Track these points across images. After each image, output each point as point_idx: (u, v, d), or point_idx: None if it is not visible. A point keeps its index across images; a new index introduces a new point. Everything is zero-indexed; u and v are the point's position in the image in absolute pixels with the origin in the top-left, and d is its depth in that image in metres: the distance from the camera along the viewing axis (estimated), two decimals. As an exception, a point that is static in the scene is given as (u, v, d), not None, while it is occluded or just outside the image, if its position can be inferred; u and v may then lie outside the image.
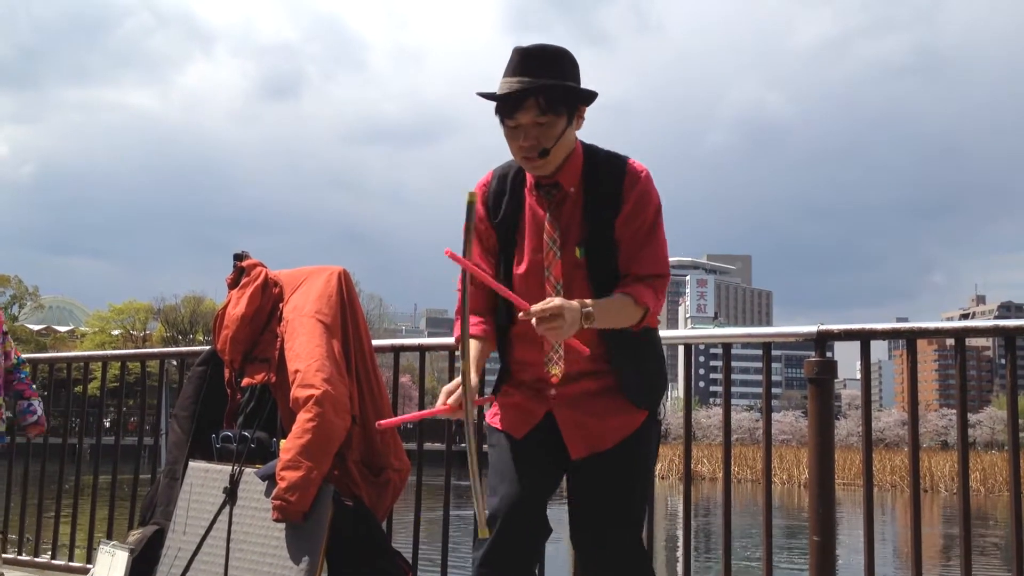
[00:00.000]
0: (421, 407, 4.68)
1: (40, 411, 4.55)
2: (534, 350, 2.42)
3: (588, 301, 2.17)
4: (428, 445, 4.19)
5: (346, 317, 3.71)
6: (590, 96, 2.32)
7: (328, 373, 3.42)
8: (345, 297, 3.74)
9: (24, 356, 4.82)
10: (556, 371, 2.38)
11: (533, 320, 2.07)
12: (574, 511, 2.42)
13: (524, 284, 2.38)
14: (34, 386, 4.65)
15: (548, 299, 2.09)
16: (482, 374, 2.37)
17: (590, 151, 2.40)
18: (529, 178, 2.41)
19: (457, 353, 4.19)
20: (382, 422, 2.35)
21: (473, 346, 2.37)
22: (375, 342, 3.93)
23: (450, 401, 2.26)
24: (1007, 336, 3.16)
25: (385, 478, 3.63)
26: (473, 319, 2.45)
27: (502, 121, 2.31)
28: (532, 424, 2.43)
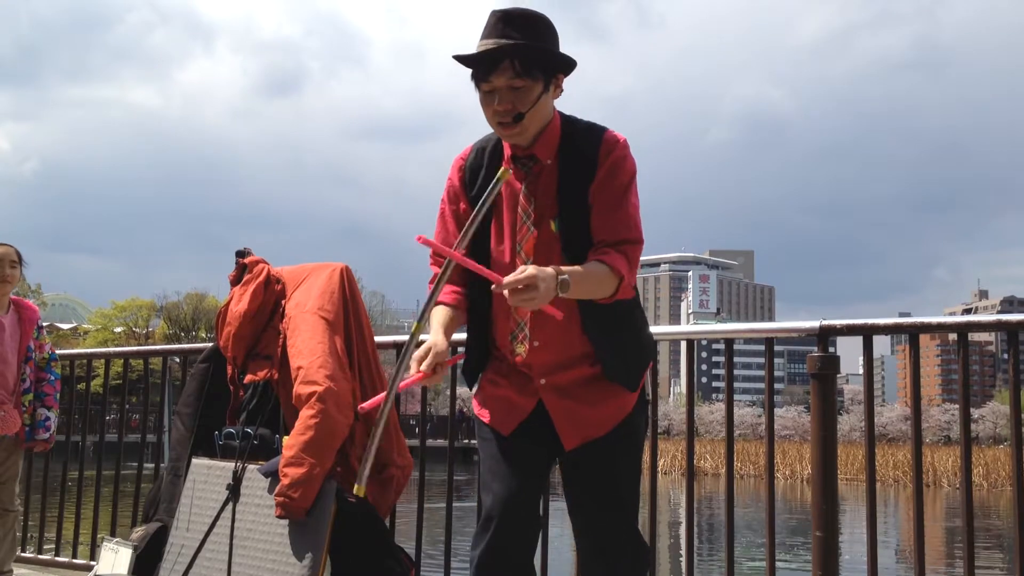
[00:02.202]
0: (424, 405, 4.70)
1: (54, 428, 4.49)
2: (520, 334, 2.35)
3: (563, 268, 2.09)
4: (431, 442, 4.20)
5: (348, 314, 3.70)
6: (568, 64, 2.27)
7: (331, 370, 3.42)
8: (347, 294, 3.74)
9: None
10: (521, 350, 2.33)
11: (506, 292, 2.01)
12: (570, 498, 2.40)
13: (502, 261, 2.32)
14: (57, 395, 4.57)
15: (521, 268, 2.02)
16: (449, 339, 2.28)
17: (568, 122, 2.34)
18: (507, 151, 2.35)
19: (460, 348, 4.20)
20: (363, 405, 2.30)
21: (443, 312, 2.34)
22: (377, 338, 3.93)
23: (423, 367, 2.17)
24: (1010, 331, 3.16)
25: (388, 475, 3.63)
26: (447, 288, 2.40)
27: (477, 86, 2.25)
28: (520, 418, 2.37)
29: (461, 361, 2.57)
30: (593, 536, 2.36)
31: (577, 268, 2.14)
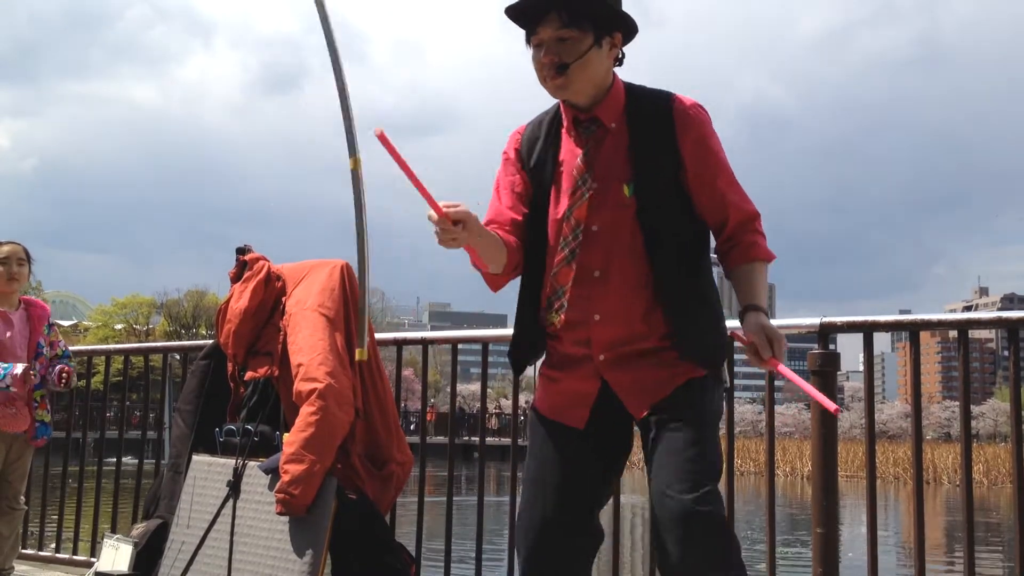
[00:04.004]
0: (424, 401, 4.71)
1: (48, 434, 4.47)
2: (578, 305, 2.19)
3: (755, 300, 2.14)
4: (431, 439, 4.20)
5: (349, 311, 3.71)
6: (624, 20, 2.18)
7: (331, 367, 3.42)
8: (347, 291, 3.74)
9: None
10: (555, 320, 2.21)
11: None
12: (649, 471, 2.19)
13: (554, 226, 2.22)
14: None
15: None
16: (483, 237, 2.09)
17: (632, 88, 2.25)
18: (566, 119, 2.26)
19: (461, 345, 4.21)
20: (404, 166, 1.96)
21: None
22: (378, 335, 3.93)
23: (447, 210, 1.95)
24: (1010, 328, 3.16)
25: (388, 471, 3.63)
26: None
27: (528, 43, 2.18)
28: (589, 404, 2.20)
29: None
30: (662, 511, 2.05)
31: (755, 290, 2.17)
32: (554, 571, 2.19)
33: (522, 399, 4.18)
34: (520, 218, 2.28)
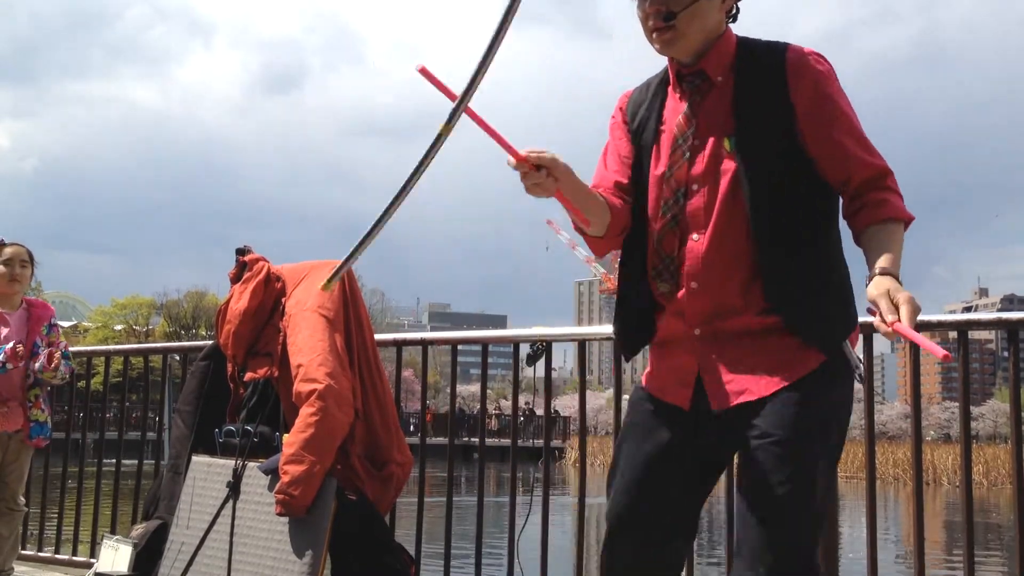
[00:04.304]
0: (423, 402, 4.70)
1: (46, 434, 4.47)
2: (675, 272, 2.02)
3: (882, 266, 1.84)
4: (431, 440, 4.20)
5: (348, 311, 3.71)
6: None
7: (331, 367, 3.42)
8: (347, 291, 3.74)
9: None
10: (664, 288, 2.03)
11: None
12: (735, 514, 1.98)
13: (655, 186, 2.06)
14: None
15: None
16: (576, 187, 1.91)
17: (745, 40, 2.07)
18: (671, 75, 2.11)
19: (461, 346, 4.21)
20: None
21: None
22: (377, 336, 3.93)
23: (532, 157, 1.81)
24: (1010, 329, 3.16)
25: (388, 472, 3.63)
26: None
27: None
28: (691, 383, 2.00)
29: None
30: (742, 546, 1.87)
31: (887, 252, 1.87)
32: (633, 554, 2.03)
33: (521, 400, 4.18)
34: (625, 181, 2.11)
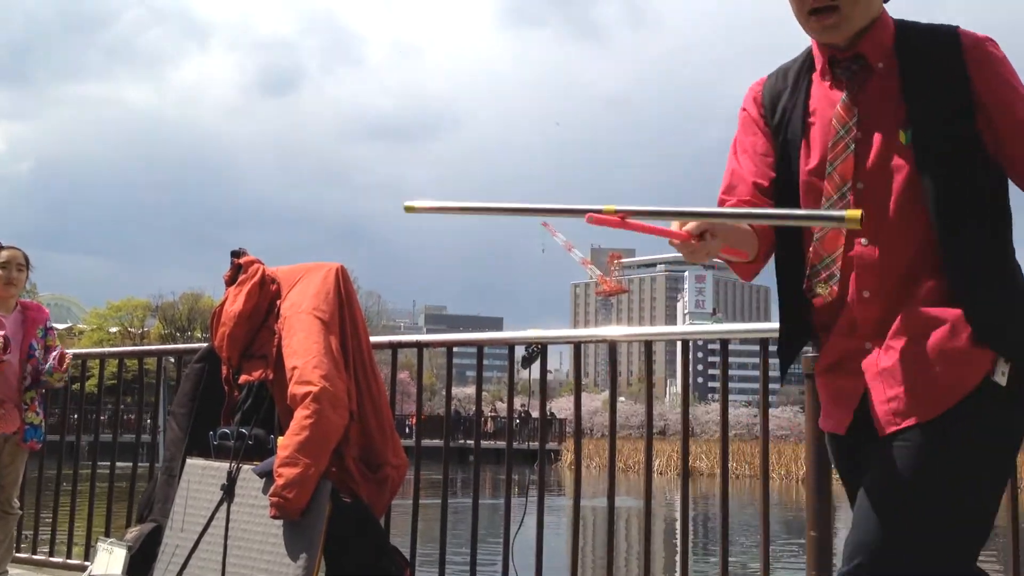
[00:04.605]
0: (419, 404, 4.70)
1: (39, 437, 4.46)
2: (842, 281, 1.81)
3: None
4: (426, 442, 4.20)
5: (344, 314, 3.70)
6: None
7: (326, 370, 3.42)
8: (343, 294, 3.74)
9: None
10: (823, 291, 1.82)
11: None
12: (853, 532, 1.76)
13: (807, 186, 1.87)
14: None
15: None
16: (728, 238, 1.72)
17: (903, 23, 1.88)
18: (818, 62, 1.91)
19: (456, 348, 4.21)
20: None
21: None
22: (373, 339, 3.93)
23: (687, 229, 1.64)
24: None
25: (383, 475, 3.63)
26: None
27: None
28: (852, 406, 1.79)
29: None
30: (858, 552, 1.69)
31: None
32: None
33: (517, 402, 4.17)
34: (766, 183, 1.92)
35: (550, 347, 3.87)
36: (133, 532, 3.90)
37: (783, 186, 1.91)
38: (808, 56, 1.96)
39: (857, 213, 1.47)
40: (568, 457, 33.79)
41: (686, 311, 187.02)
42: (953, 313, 1.72)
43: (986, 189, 1.79)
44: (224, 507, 3.52)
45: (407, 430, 30.62)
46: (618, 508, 3.79)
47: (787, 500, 26.36)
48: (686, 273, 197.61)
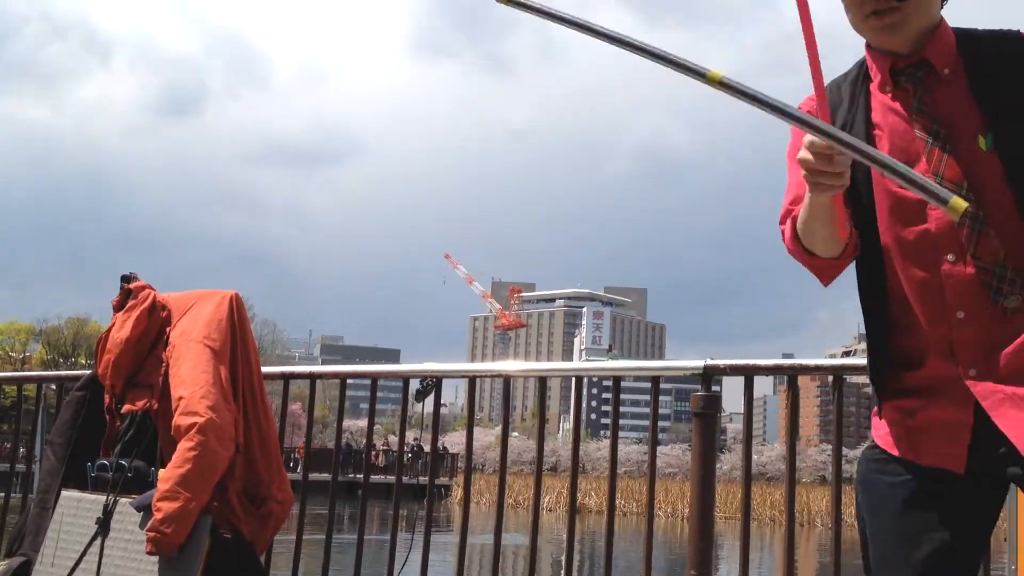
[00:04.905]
0: (308, 437, 4.62)
1: None
2: (929, 301, 1.73)
3: None
4: (314, 475, 4.13)
5: (236, 343, 3.64)
6: None
7: (213, 400, 3.35)
8: (236, 322, 3.67)
9: None
10: (1015, 303, 1.66)
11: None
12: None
13: (887, 199, 1.77)
14: None
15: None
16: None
17: (962, 29, 1.83)
18: (876, 73, 1.85)
19: (351, 380, 4.15)
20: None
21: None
22: (265, 369, 3.87)
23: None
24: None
25: (267, 510, 3.56)
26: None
27: None
28: (965, 440, 1.68)
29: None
30: None
31: None
32: None
33: (410, 436, 4.16)
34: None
35: (445, 381, 3.87)
36: (0, 567, 3.74)
37: (852, 198, 1.79)
38: (860, 69, 1.90)
39: (963, 204, 1.36)
40: (459, 492, 33.62)
41: (583, 347, 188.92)
42: None
43: None
44: (98, 542, 3.40)
45: (291, 463, 30.04)
46: (506, 545, 3.79)
47: (673, 538, 26.72)
48: (584, 309, 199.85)
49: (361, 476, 4.28)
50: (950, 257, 1.70)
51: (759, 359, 3.43)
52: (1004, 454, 1.64)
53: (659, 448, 3.63)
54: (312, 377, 4.26)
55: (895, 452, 1.78)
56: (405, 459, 4.28)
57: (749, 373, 3.44)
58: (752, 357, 3.49)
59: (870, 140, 1.79)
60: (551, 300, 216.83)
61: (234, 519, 3.43)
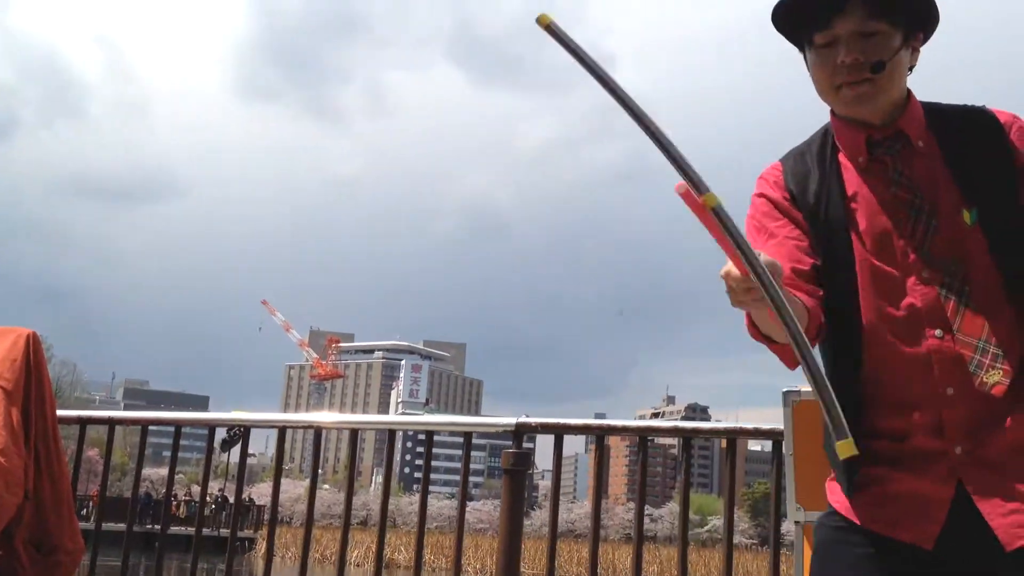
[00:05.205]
0: (104, 485, 4.41)
1: None
2: (915, 377, 1.68)
3: None
4: (109, 525, 3.94)
5: (31, 384, 3.46)
6: (934, 16, 1.76)
7: (2, 444, 3.17)
8: (31, 363, 3.49)
9: None
10: (995, 377, 1.64)
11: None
12: None
13: (870, 273, 1.72)
14: None
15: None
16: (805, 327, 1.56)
17: (930, 103, 1.81)
18: (844, 145, 1.80)
19: (154, 428, 4.00)
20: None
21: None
22: (61, 412, 3.68)
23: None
24: (684, 437, 3.45)
25: (55, 560, 3.37)
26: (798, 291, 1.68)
27: (808, 42, 1.76)
28: (939, 518, 1.63)
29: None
30: None
31: None
32: None
33: (215, 486, 4.04)
34: (805, 267, 1.74)
35: (255, 430, 3.79)
36: None
37: (829, 271, 1.75)
38: (825, 138, 1.86)
39: (850, 450, 1.33)
40: (263, 546, 32.63)
41: (400, 400, 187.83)
42: None
43: None
44: None
45: (84, 512, 28.42)
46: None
47: (482, 594, 26.72)
48: (403, 362, 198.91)
49: (160, 527, 4.12)
50: (936, 332, 1.67)
51: (571, 418, 3.53)
52: (977, 539, 1.59)
53: (471, 503, 3.65)
54: (111, 423, 4.08)
55: (856, 521, 1.71)
56: (208, 510, 4.14)
57: (559, 432, 3.53)
58: (568, 416, 3.59)
59: (848, 212, 1.76)
60: (370, 351, 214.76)
61: (20, 569, 3.24)
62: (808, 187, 1.80)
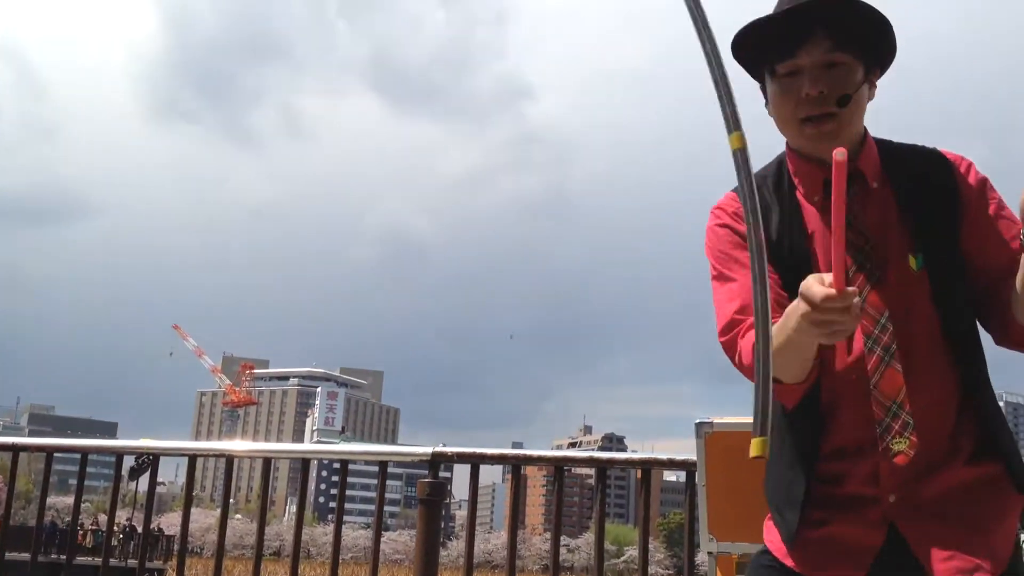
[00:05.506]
0: (7, 513, 4.25)
1: None
2: (856, 424, 1.66)
3: None
4: (12, 555, 3.81)
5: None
6: (893, 51, 1.72)
7: None
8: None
9: None
10: (901, 446, 1.61)
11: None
12: None
13: None
14: None
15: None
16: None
17: (883, 141, 1.78)
18: (801, 181, 1.76)
19: (59, 455, 3.88)
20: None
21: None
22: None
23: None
24: (599, 467, 3.48)
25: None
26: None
27: (768, 74, 1.72)
28: (866, 564, 1.63)
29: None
30: None
31: None
32: None
33: (123, 516, 3.93)
34: (785, 302, 1.63)
35: (165, 458, 3.71)
36: None
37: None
38: (780, 171, 1.80)
39: (761, 449, 1.32)
40: (174, 577, 31.74)
41: (315, 427, 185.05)
42: (994, 464, 1.64)
43: (972, 314, 1.73)
44: None
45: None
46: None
47: (397, 625, 26.39)
48: (319, 389, 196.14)
49: (65, 557, 4.00)
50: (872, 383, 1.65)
51: (488, 448, 3.54)
52: None
53: (387, 533, 3.63)
54: (15, 449, 3.96)
55: (788, 563, 1.70)
56: (115, 540, 4.03)
57: (476, 461, 3.54)
58: (485, 445, 3.60)
59: (809, 250, 1.71)
60: (285, 378, 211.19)
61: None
62: (771, 221, 1.74)
